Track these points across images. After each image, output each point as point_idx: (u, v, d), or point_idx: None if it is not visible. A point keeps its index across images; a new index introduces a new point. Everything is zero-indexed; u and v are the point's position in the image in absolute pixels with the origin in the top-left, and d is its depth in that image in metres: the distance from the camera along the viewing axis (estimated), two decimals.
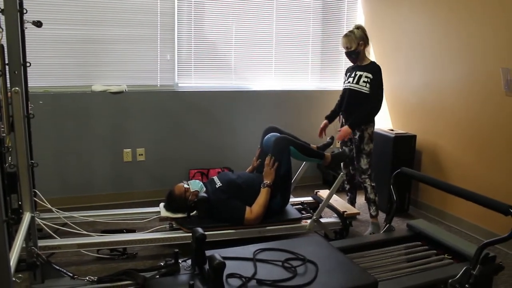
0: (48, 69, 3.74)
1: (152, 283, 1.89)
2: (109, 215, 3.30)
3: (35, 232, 2.15)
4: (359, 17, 4.80)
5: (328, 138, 3.67)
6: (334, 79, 4.85)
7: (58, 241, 2.76)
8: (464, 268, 2.17)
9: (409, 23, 4.18)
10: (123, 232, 3.19)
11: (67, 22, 3.72)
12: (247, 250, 2.22)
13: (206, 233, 2.83)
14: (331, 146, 3.64)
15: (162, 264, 2.07)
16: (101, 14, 3.81)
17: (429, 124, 3.97)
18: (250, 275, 1.95)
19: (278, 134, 3.37)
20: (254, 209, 3.02)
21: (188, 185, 3.12)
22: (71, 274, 2.07)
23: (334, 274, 2.04)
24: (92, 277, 2.03)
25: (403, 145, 3.93)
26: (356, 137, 3.43)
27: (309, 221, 3.23)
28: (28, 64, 2.47)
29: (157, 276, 2.01)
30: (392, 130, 4.10)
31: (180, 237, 2.92)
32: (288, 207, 3.32)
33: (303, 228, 3.21)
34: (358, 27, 3.39)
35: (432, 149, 3.95)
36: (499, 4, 3.26)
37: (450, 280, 2.16)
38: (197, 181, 3.21)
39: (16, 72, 1.93)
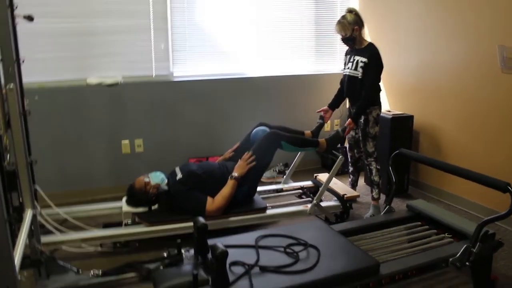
0: (42, 63, 3.71)
1: (157, 274, 1.91)
2: (109, 208, 3.32)
3: (37, 229, 2.16)
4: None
5: (318, 119, 3.67)
6: (329, 62, 4.83)
7: (61, 237, 2.78)
8: (464, 246, 2.20)
9: (404, 3, 4.14)
10: (125, 225, 3.19)
11: (59, 15, 3.67)
12: (249, 237, 2.24)
13: (167, 226, 2.89)
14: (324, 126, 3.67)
15: (165, 255, 2.09)
16: (92, 5, 3.75)
17: (426, 104, 3.97)
18: (253, 262, 1.98)
19: (267, 129, 3.35)
20: (216, 200, 2.98)
21: (148, 178, 3.06)
22: (75, 269, 2.09)
23: (336, 257, 2.06)
24: (96, 271, 2.05)
25: (400, 126, 3.93)
26: (361, 120, 3.41)
27: (309, 205, 3.25)
28: (21, 61, 2.45)
29: (161, 267, 2.04)
30: (389, 111, 4.09)
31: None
32: (255, 196, 3.27)
33: (304, 213, 3.24)
34: (351, 11, 3.31)
35: (429, 129, 3.96)
36: None
37: (450, 259, 2.19)
38: (159, 173, 3.12)
39: (10, 69, 1.92)
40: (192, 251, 2.10)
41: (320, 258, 2.03)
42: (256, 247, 2.13)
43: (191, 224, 2.88)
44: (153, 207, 3.05)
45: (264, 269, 1.94)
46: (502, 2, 3.18)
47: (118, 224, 3.16)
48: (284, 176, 3.85)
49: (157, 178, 3.09)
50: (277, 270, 1.94)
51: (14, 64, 1.95)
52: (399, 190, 3.96)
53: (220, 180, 3.08)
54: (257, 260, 2.00)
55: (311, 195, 3.62)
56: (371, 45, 3.35)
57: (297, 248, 2.12)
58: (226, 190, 3.01)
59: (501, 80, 3.23)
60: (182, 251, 2.07)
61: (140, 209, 3.03)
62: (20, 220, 1.86)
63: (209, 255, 1.98)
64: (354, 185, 3.84)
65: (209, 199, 2.98)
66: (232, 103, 4.38)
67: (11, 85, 1.90)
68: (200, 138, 4.31)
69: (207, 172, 3.12)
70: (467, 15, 3.48)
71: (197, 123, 4.27)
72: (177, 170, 3.18)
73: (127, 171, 4.03)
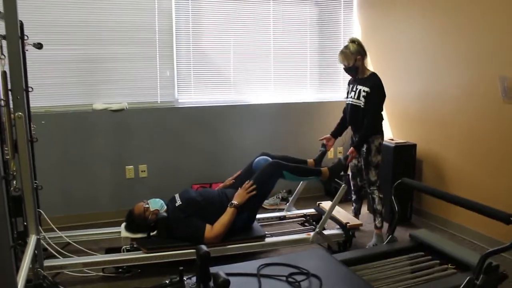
0: (49, 89, 3.79)
1: None
2: (111, 233, 3.33)
3: (41, 254, 2.17)
4: (356, 27, 4.85)
5: (320, 147, 3.70)
6: (332, 90, 4.90)
7: (63, 261, 2.78)
8: (468, 278, 2.18)
9: (405, 32, 4.23)
10: (126, 249, 3.19)
11: (66, 42, 3.77)
12: (251, 266, 2.23)
13: (165, 253, 2.91)
14: (326, 154, 3.71)
15: (167, 282, 2.08)
16: (100, 33, 3.86)
17: (429, 132, 3.99)
18: None
19: (269, 158, 3.38)
20: (215, 228, 2.99)
21: (148, 204, 3.09)
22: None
23: None
24: None
25: (403, 155, 3.95)
26: (364, 149, 3.43)
27: (312, 233, 3.24)
28: (30, 89, 2.51)
29: None
30: (392, 139, 4.12)
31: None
32: (254, 224, 3.28)
33: (306, 241, 3.23)
34: (353, 41, 3.38)
35: (432, 158, 3.97)
36: (496, 12, 3.30)
37: None
38: (158, 199, 3.17)
39: (18, 97, 1.97)
40: (194, 279, 2.09)
41: None
42: (257, 275, 2.12)
43: (189, 251, 2.94)
44: (151, 234, 3.06)
45: None
46: (504, 32, 3.24)
47: (121, 249, 3.18)
48: (287, 204, 3.86)
49: (156, 204, 3.11)
50: None
51: (23, 92, 2.00)
52: (402, 218, 3.95)
53: (219, 208, 3.09)
54: None
55: (314, 222, 3.62)
56: (373, 74, 3.40)
57: (298, 278, 2.11)
58: (225, 218, 3.02)
59: (503, 110, 3.26)
60: (184, 278, 2.05)
61: (139, 235, 3.04)
62: (24, 244, 1.88)
63: (211, 283, 1.99)
64: (357, 213, 3.84)
65: (207, 226, 2.99)
66: (235, 130, 4.43)
67: (20, 114, 1.95)
68: (204, 165, 4.34)
69: (207, 199, 3.14)
70: (469, 44, 3.54)
71: (201, 150, 4.31)
72: (177, 197, 3.20)
73: (131, 196, 4.06)
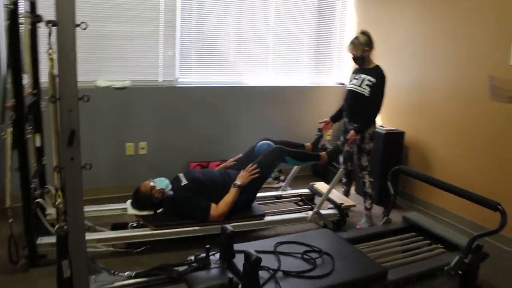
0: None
1: (190, 277, 2.09)
2: (115, 209, 3.45)
3: None
4: (351, 16, 5.02)
5: (317, 131, 3.91)
6: (326, 75, 5.10)
7: None
8: (458, 257, 2.47)
9: (399, 23, 4.43)
10: (133, 225, 3.30)
11: None
12: (267, 244, 2.44)
13: (173, 230, 3.09)
14: (322, 138, 3.92)
15: (193, 258, 2.26)
16: (104, 10, 3.87)
17: (417, 121, 4.26)
18: (276, 267, 2.18)
19: (271, 143, 3.55)
20: (220, 207, 3.15)
21: (154, 183, 3.20)
22: (111, 271, 2.23)
23: (349, 264, 2.29)
24: (130, 273, 2.19)
25: (393, 141, 4.22)
26: (358, 136, 3.66)
27: (310, 212, 3.48)
28: None
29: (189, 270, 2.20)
30: (382, 126, 4.36)
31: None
32: (254, 203, 3.45)
33: (305, 220, 3.46)
34: (363, 33, 3.59)
35: (419, 145, 4.25)
36: (486, 13, 3.55)
37: (445, 268, 2.46)
38: (163, 178, 3.27)
39: None
40: (217, 256, 2.28)
41: (335, 265, 2.25)
42: (276, 253, 2.33)
43: (195, 228, 3.11)
44: (157, 211, 3.20)
45: (287, 274, 2.15)
46: (494, 34, 3.49)
47: (126, 225, 3.29)
48: (283, 184, 4.07)
49: (162, 183, 3.23)
50: (299, 275, 2.15)
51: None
52: (386, 200, 4.22)
53: (222, 187, 3.25)
54: (279, 266, 2.20)
55: (309, 202, 3.85)
56: (378, 67, 3.62)
57: (313, 255, 2.33)
58: (229, 197, 3.19)
59: (490, 105, 3.55)
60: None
61: (145, 212, 3.17)
62: None
63: (235, 260, 2.19)
64: (346, 194, 4.09)
65: (212, 205, 3.15)
66: (233, 110, 4.56)
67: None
68: (201, 143, 4.47)
69: (210, 179, 3.30)
70: (460, 40, 3.78)
71: (199, 129, 4.43)
72: (181, 176, 3.33)
73: (130, 172, 4.16)
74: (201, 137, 4.46)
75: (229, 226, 2.21)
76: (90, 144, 4.00)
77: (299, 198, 3.95)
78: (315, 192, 3.91)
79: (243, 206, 3.34)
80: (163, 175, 4.20)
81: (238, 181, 3.24)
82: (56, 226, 1.95)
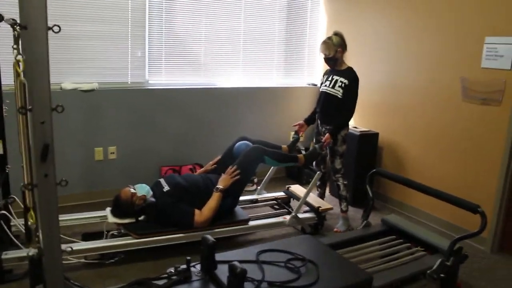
0: None
1: None
2: (86, 218, 3.30)
3: None
4: (322, 17, 5.01)
5: (293, 134, 3.87)
6: (297, 76, 5.06)
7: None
8: (440, 260, 2.48)
9: (371, 24, 4.44)
10: (104, 235, 3.15)
11: None
12: (249, 252, 2.36)
13: (157, 238, 2.98)
14: (300, 141, 3.88)
15: (173, 270, 2.15)
16: (71, 9, 3.68)
17: (391, 123, 4.28)
18: (260, 278, 2.10)
19: (249, 143, 3.48)
20: (204, 212, 3.07)
21: (134, 189, 3.07)
22: (79, 284, 2.10)
23: (334, 272, 2.24)
24: None
25: (367, 143, 4.22)
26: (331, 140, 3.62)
27: (287, 217, 3.43)
28: None
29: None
30: (356, 127, 4.37)
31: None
32: (236, 208, 3.40)
33: (283, 224, 3.41)
34: (336, 34, 3.54)
35: (393, 147, 4.28)
36: (458, 17, 3.60)
37: (428, 271, 2.46)
38: (144, 185, 3.15)
39: None
40: (198, 267, 2.18)
41: (320, 273, 2.19)
42: (258, 262, 2.26)
43: (180, 235, 3.00)
44: (139, 218, 3.07)
45: (271, 285, 2.07)
46: (466, 36, 3.54)
47: (98, 234, 3.13)
48: (259, 187, 4.00)
49: (143, 189, 3.10)
50: (284, 285, 2.08)
51: None
52: (363, 200, 4.24)
53: (205, 192, 3.16)
54: (263, 276, 2.13)
55: (285, 205, 3.80)
56: (351, 68, 3.59)
57: (296, 263, 2.27)
58: (212, 202, 3.10)
59: (461, 106, 3.60)
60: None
61: (127, 220, 3.03)
62: None
63: (216, 271, 2.10)
64: (321, 197, 4.06)
65: (196, 211, 3.05)
66: (204, 112, 4.46)
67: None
68: (173, 147, 4.34)
69: (192, 184, 3.20)
70: (432, 44, 3.83)
71: (170, 132, 4.30)
72: (163, 182, 3.21)
73: (100, 178, 3.99)
74: (172, 140, 4.33)
75: (210, 237, 2.12)
76: (57, 150, 3.77)
77: (275, 201, 3.89)
78: (291, 195, 3.87)
79: (228, 211, 3.27)
80: (134, 180, 4.07)
81: (220, 185, 3.16)
82: (30, 250, 1.80)
